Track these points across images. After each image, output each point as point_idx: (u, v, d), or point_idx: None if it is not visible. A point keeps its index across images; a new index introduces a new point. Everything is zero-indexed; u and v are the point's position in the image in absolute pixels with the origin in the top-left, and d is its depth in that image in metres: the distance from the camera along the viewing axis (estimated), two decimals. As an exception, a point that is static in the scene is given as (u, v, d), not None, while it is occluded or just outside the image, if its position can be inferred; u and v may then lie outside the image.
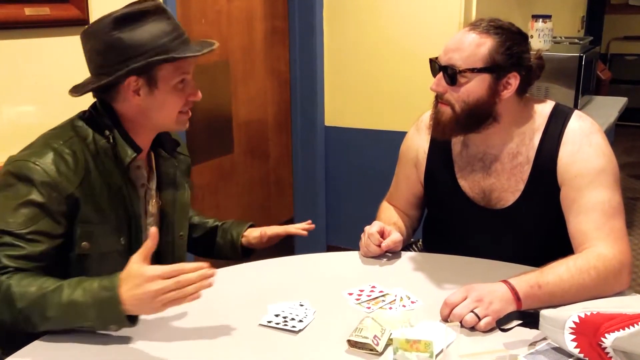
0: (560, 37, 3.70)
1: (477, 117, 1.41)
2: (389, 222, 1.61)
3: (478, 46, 1.38)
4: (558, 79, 2.95)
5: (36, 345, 1.17)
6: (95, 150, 1.29)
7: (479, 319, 1.17)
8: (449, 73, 1.39)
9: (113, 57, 1.27)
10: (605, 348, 1.03)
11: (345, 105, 3.10)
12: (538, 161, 1.44)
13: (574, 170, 1.38)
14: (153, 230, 1.16)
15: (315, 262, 1.51)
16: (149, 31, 1.27)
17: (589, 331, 1.05)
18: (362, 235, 1.53)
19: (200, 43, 1.35)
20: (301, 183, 3.21)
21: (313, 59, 3.01)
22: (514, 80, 1.39)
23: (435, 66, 1.43)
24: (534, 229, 1.47)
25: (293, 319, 1.23)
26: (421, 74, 2.93)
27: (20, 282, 1.16)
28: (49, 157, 1.23)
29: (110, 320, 1.15)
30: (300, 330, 1.19)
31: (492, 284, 1.23)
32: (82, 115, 1.34)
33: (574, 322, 1.06)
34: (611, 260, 1.28)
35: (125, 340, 1.18)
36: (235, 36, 2.69)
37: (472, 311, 1.18)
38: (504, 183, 1.48)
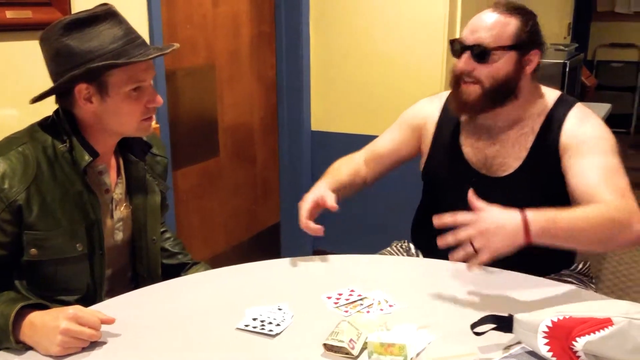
0: (546, 44, 3.74)
1: (504, 92, 1.52)
2: (339, 174, 1.69)
3: (504, 25, 1.49)
4: (543, 85, 2.97)
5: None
6: (54, 156, 1.28)
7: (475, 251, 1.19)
8: (478, 52, 1.48)
9: (62, 63, 1.26)
10: (576, 352, 1.05)
11: (331, 110, 3.11)
12: (542, 133, 1.54)
13: (577, 140, 1.49)
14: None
15: (295, 266, 1.51)
16: (97, 37, 1.25)
17: (561, 335, 1.06)
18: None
19: (159, 48, 1.32)
20: (287, 187, 3.22)
21: (299, 64, 3.02)
22: (535, 57, 1.52)
23: (458, 46, 1.53)
24: (530, 199, 1.48)
25: (270, 323, 1.23)
26: (407, 79, 2.96)
27: None
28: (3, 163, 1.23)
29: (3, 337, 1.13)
30: (277, 334, 1.20)
31: (508, 213, 1.23)
32: (44, 121, 1.34)
33: (547, 326, 1.07)
34: (623, 210, 1.32)
35: (99, 344, 1.18)
36: (221, 40, 2.69)
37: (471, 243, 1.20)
38: (509, 149, 1.57)
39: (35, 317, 1.15)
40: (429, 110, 1.72)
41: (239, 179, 2.95)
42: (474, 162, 1.60)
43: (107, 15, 1.27)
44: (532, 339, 1.08)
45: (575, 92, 3.29)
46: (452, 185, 1.64)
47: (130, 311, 1.29)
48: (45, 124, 1.33)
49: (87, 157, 1.30)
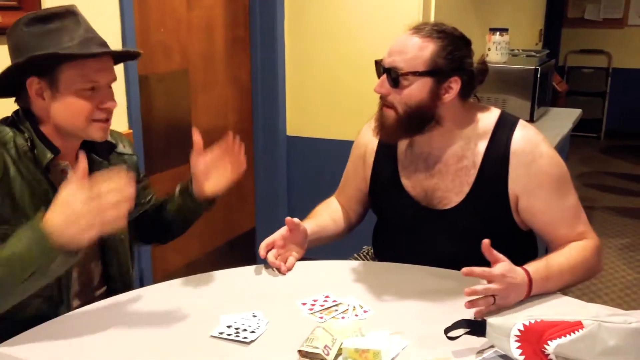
0: (518, 50, 3.79)
1: (419, 119, 1.44)
2: (320, 214, 1.68)
3: (420, 49, 1.41)
4: (515, 91, 3.02)
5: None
6: (17, 154, 1.27)
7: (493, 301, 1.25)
8: (392, 75, 1.42)
9: (18, 56, 1.26)
10: (548, 355, 1.06)
11: (306, 115, 3.11)
12: (485, 167, 1.48)
13: (533, 182, 1.45)
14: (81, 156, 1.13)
15: (270, 273, 1.51)
16: (54, 33, 1.25)
17: (533, 338, 1.07)
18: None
19: (117, 50, 1.32)
20: (263, 192, 3.21)
21: (274, 68, 3.01)
22: (455, 85, 1.43)
23: (380, 68, 1.47)
24: (477, 230, 1.50)
25: (245, 330, 1.22)
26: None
27: None
28: None
29: (49, 257, 1.10)
30: (252, 341, 1.19)
31: (520, 271, 1.29)
32: (4, 121, 1.32)
33: (519, 330, 1.08)
34: (592, 248, 1.44)
35: (70, 354, 1.16)
36: (195, 44, 2.68)
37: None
38: (448, 184, 1.51)
39: (52, 218, 1.09)
40: (367, 137, 1.64)
41: (213, 184, 2.93)
42: (414, 194, 1.54)
43: (67, 13, 1.28)
44: (505, 343, 1.10)
45: (547, 97, 3.34)
46: (395, 215, 1.61)
47: (103, 320, 1.27)
48: (5, 123, 1.31)
49: (48, 155, 1.29)
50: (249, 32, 2.99)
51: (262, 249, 1.50)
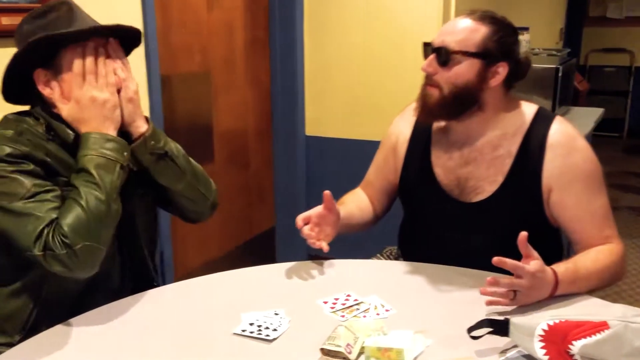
0: (539, 49, 3.76)
1: (463, 101, 1.46)
2: (347, 202, 1.66)
3: (472, 31, 1.44)
4: (535, 90, 3.00)
5: (52, 332, 1.16)
6: (44, 136, 1.30)
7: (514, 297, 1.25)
8: (441, 54, 1.44)
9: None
10: (573, 355, 1.05)
11: (325, 115, 3.11)
12: (521, 157, 1.48)
13: (568, 176, 1.45)
14: None
15: (291, 271, 1.51)
16: (50, 23, 1.28)
17: (558, 339, 1.06)
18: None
19: (109, 26, 1.33)
20: (282, 192, 3.22)
21: (293, 69, 3.02)
22: (502, 70, 1.45)
23: (428, 49, 1.48)
24: (508, 223, 1.50)
25: (267, 328, 1.23)
26: (401, 84, 2.97)
27: (66, 211, 1.21)
28: (6, 139, 1.25)
29: (114, 148, 1.28)
30: (274, 339, 1.20)
31: (548, 271, 1.27)
32: (22, 112, 1.35)
33: (543, 330, 1.07)
34: (618, 254, 1.43)
35: (95, 350, 1.17)
36: (216, 46, 2.70)
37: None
38: (482, 172, 1.51)
39: (84, 122, 1.28)
40: (400, 127, 1.67)
41: (233, 184, 2.95)
42: (445, 184, 1.54)
43: (62, 5, 1.31)
44: (529, 343, 1.09)
45: (567, 97, 3.31)
46: (425, 208, 1.61)
47: (125, 317, 1.28)
48: (20, 113, 1.34)
49: (69, 131, 1.31)
50: (269, 34, 3.01)
51: (299, 220, 1.48)
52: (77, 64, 1.28)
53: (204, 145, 2.74)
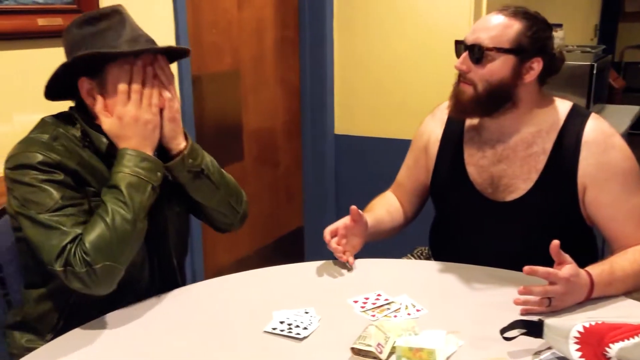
0: (572, 46, 3.69)
1: (498, 98, 1.44)
2: (376, 208, 1.66)
3: (506, 27, 1.42)
4: (570, 88, 2.94)
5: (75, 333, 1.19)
6: (79, 142, 1.32)
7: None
8: (474, 51, 1.42)
9: (69, 57, 1.31)
10: (610, 358, 1.03)
11: (355, 113, 3.10)
12: (556, 154, 1.46)
13: (603, 174, 1.42)
14: None
15: (321, 270, 1.51)
16: (101, 33, 1.28)
17: (594, 341, 1.04)
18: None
19: (161, 48, 1.34)
20: (311, 191, 3.22)
21: (323, 68, 3.02)
22: (536, 65, 1.43)
23: (461, 47, 1.47)
24: (542, 221, 1.48)
25: (298, 326, 1.23)
26: (431, 82, 2.94)
27: (91, 230, 1.22)
28: (40, 146, 1.26)
29: (148, 168, 1.28)
30: (304, 338, 1.20)
31: (583, 275, 1.25)
32: (59, 116, 1.36)
33: (579, 332, 1.05)
34: None
35: (124, 346, 1.19)
36: (246, 45, 2.71)
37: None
38: (516, 170, 1.49)
39: (123, 139, 1.30)
40: (431, 126, 1.65)
41: (262, 183, 2.96)
42: (479, 182, 1.52)
43: (114, 13, 1.31)
44: (563, 345, 1.07)
45: (602, 94, 3.24)
46: (458, 208, 1.59)
47: (155, 315, 1.30)
48: (60, 117, 1.36)
49: (104, 139, 1.32)
50: (299, 32, 3.01)
51: (326, 234, 1.50)
52: (123, 82, 1.29)
53: (234, 144, 2.76)
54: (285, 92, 3.02)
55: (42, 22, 1.69)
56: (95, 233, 1.21)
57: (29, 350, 1.21)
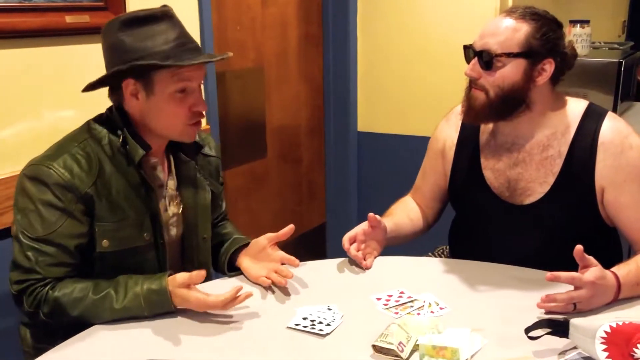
0: (600, 43, 3.63)
1: (511, 102, 1.42)
2: (395, 213, 1.66)
3: (514, 31, 1.39)
4: (597, 85, 2.89)
5: (71, 342, 1.20)
6: (111, 151, 1.32)
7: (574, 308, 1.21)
8: (484, 58, 1.40)
9: (114, 57, 1.30)
10: (637, 358, 1.01)
11: (378, 110, 3.09)
12: (572, 157, 1.43)
13: (622, 175, 1.40)
14: (202, 273, 1.26)
15: (344, 267, 1.51)
16: (150, 36, 1.27)
17: (621, 341, 1.03)
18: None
19: (210, 55, 1.36)
20: (333, 188, 3.22)
21: (346, 65, 3.01)
22: (549, 67, 1.40)
23: (470, 52, 1.45)
24: (560, 224, 1.46)
25: (321, 323, 1.23)
26: (455, 80, 2.90)
27: (64, 291, 1.26)
28: (62, 160, 1.27)
29: (160, 312, 1.27)
30: (327, 334, 1.20)
31: (610, 277, 1.23)
32: (98, 118, 1.38)
33: (605, 332, 1.04)
34: None
35: (154, 339, 1.20)
36: (270, 42, 2.72)
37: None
38: (532, 173, 1.47)
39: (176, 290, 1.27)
40: (446, 131, 1.64)
41: (285, 179, 2.97)
42: (495, 186, 1.51)
43: (164, 16, 1.30)
44: (590, 345, 1.05)
45: (630, 92, 3.18)
46: (476, 212, 1.58)
47: (178, 310, 1.30)
48: (99, 120, 1.37)
49: (140, 151, 1.33)
50: (322, 29, 3.01)
51: (345, 241, 1.50)
52: (171, 86, 1.29)
53: (257, 141, 2.77)
54: (308, 89, 3.02)
55: (69, 19, 1.71)
56: (74, 296, 1.25)
57: (38, 350, 1.24)
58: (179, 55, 1.28)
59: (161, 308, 1.27)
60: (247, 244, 1.53)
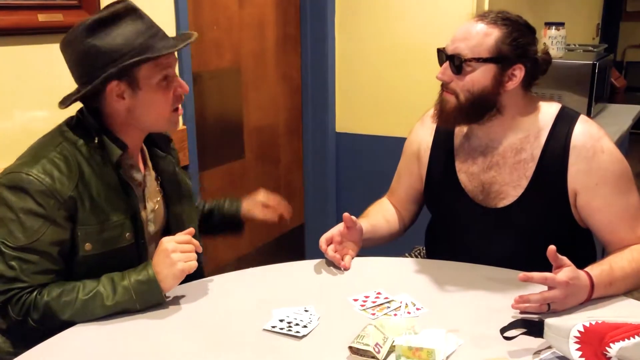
0: (574, 45, 3.68)
1: (481, 107, 1.42)
2: (372, 214, 1.66)
3: (485, 36, 1.39)
4: (571, 87, 2.93)
5: (50, 344, 1.18)
6: (88, 153, 1.31)
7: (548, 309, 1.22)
8: (455, 62, 1.40)
9: (91, 65, 1.27)
10: (610, 358, 1.03)
11: (356, 111, 3.10)
12: (544, 160, 1.44)
13: (594, 179, 1.40)
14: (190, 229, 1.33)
15: (321, 268, 1.51)
16: (122, 34, 1.26)
17: (594, 340, 1.04)
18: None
19: (179, 37, 1.36)
20: (312, 189, 3.22)
21: (324, 66, 3.01)
22: (519, 72, 1.40)
23: (442, 55, 1.45)
24: (534, 227, 1.47)
25: (297, 324, 1.23)
26: (431, 82, 2.92)
27: (52, 294, 1.23)
28: (40, 165, 1.25)
29: (151, 303, 1.29)
30: (303, 336, 1.20)
31: (583, 277, 1.24)
32: (70, 121, 1.35)
33: (579, 331, 1.05)
34: None
35: (124, 344, 1.19)
36: (247, 42, 2.70)
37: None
38: (506, 177, 1.47)
39: (156, 265, 1.29)
40: (421, 134, 1.64)
41: (263, 180, 2.95)
42: (470, 189, 1.51)
43: (127, 11, 1.29)
44: (564, 344, 1.07)
45: (604, 93, 3.23)
46: (452, 215, 1.59)
47: (155, 312, 1.30)
48: (71, 124, 1.35)
49: (117, 151, 1.32)
50: (300, 30, 3.00)
51: (322, 243, 1.50)
52: (155, 77, 1.30)
53: (235, 142, 2.75)
54: (286, 90, 3.01)
55: (42, 18, 1.68)
56: (63, 300, 1.23)
57: (12, 355, 1.20)
58: (155, 45, 1.29)
59: (152, 298, 1.27)
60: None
